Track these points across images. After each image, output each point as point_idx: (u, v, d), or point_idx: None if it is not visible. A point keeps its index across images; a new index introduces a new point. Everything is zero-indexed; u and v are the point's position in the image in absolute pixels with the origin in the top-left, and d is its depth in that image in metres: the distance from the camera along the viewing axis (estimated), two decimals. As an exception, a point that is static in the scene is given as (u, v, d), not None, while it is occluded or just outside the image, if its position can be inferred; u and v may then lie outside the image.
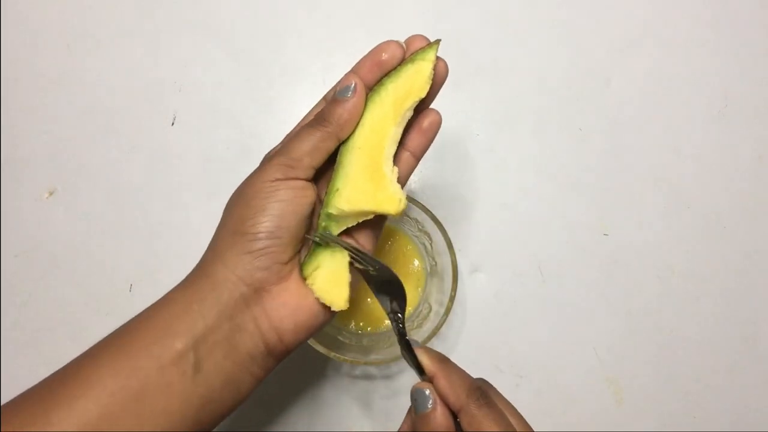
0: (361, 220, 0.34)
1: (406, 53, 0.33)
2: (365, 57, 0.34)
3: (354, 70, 0.34)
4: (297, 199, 0.31)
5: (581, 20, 0.59)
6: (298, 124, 0.36)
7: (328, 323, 0.35)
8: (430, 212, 0.46)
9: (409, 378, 0.50)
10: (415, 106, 0.33)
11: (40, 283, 0.51)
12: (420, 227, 0.49)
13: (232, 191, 0.36)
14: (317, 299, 0.32)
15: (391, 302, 0.34)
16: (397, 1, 0.59)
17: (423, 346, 0.33)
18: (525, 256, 0.53)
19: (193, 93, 0.56)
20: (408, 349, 0.33)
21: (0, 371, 0.49)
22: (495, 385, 0.32)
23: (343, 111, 0.32)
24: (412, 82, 0.33)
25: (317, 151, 0.32)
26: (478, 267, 0.53)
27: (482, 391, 0.30)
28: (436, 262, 0.48)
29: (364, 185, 0.33)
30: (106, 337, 0.29)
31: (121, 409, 0.26)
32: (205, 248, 0.33)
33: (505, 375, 0.50)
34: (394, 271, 0.38)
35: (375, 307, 0.48)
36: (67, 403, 0.26)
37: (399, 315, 0.34)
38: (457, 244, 0.46)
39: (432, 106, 0.36)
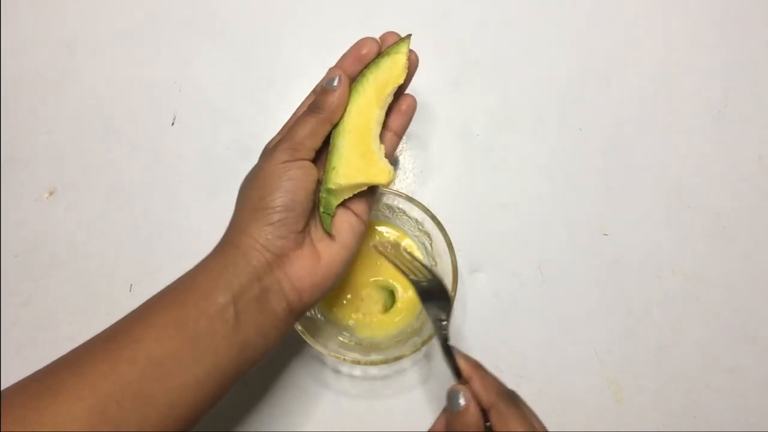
0: (356, 192, 0.39)
1: (381, 47, 0.39)
2: (347, 52, 0.39)
3: (338, 64, 0.40)
4: (305, 176, 0.36)
5: (581, 20, 0.59)
6: (293, 115, 0.41)
7: (338, 282, 0.41)
8: (430, 212, 0.46)
9: (409, 378, 0.50)
10: (394, 91, 0.39)
11: (40, 283, 0.51)
12: (420, 227, 0.49)
13: (232, 191, 0.39)
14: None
15: (437, 309, 0.40)
16: (397, 1, 0.59)
17: (461, 352, 0.38)
18: (525, 256, 0.53)
19: (193, 93, 0.56)
20: (449, 353, 0.38)
21: (0, 371, 0.49)
22: None
23: (333, 98, 0.38)
24: (390, 72, 0.39)
25: (315, 135, 0.37)
26: (478, 267, 0.53)
27: (512, 394, 0.36)
28: (436, 262, 0.48)
29: (356, 162, 0.38)
30: (155, 296, 0.34)
31: (180, 348, 0.31)
32: (205, 249, 0.36)
33: (505, 375, 0.50)
34: (394, 269, 0.41)
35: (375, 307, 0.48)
36: (134, 345, 0.30)
37: (443, 322, 0.39)
38: (457, 244, 0.46)
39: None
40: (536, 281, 0.52)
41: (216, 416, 0.48)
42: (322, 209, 0.38)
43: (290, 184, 0.36)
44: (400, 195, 0.47)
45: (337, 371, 0.50)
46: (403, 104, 0.42)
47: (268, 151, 0.38)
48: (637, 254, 0.53)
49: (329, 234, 0.38)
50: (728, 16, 0.60)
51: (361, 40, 0.39)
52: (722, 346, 0.52)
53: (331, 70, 0.39)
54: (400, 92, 0.41)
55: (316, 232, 0.38)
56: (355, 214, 0.39)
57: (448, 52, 0.58)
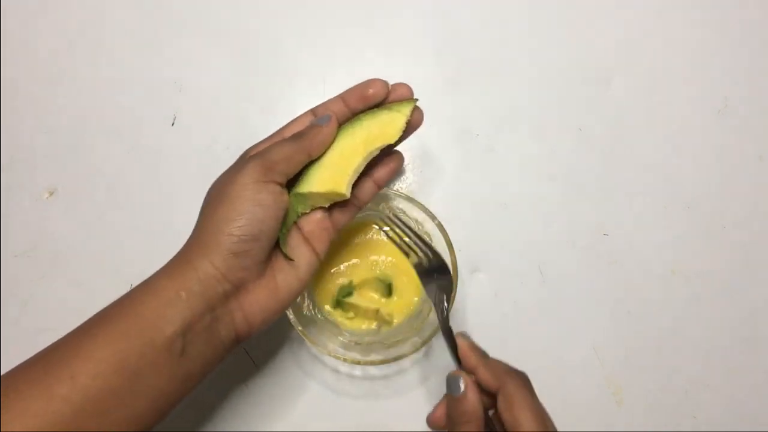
0: (316, 207, 0.39)
1: (391, 97, 0.39)
2: (354, 87, 0.39)
3: (341, 96, 0.39)
4: (274, 204, 0.35)
5: (581, 20, 0.59)
6: (278, 130, 0.40)
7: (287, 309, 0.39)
8: (430, 212, 0.46)
9: (409, 379, 0.50)
10: (382, 148, 0.38)
11: (40, 283, 0.51)
12: (420, 227, 0.49)
13: (222, 172, 0.38)
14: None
15: (437, 292, 0.40)
16: (397, 1, 0.59)
17: (467, 338, 0.38)
18: (525, 256, 0.53)
19: (193, 93, 0.56)
20: (449, 337, 0.38)
21: (0, 371, 0.49)
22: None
23: (318, 133, 0.37)
24: (385, 127, 0.38)
25: (290, 160, 0.36)
26: (478, 267, 0.53)
27: (522, 374, 0.36)
28: (436, 262, 0.48)
29: (324, 180, 0.38)
30: (96, 317, 0.33)
31: (118, 385, 0.30)
32: None
33: (505, 375, 0.50)
34: (395, 269, 0.41)
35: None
36: (69, 379, 0.29)
37: (445, 305, 0.39)
38: (457, 244, 0.46)
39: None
40: (536, 281, 0.52)
41: (215, 416, 0.48)
42: (283, 230, 0.37)
43: (259, 211, 0.34)
44: (400, 195, 0.47)
45: (337, 371, 0.50)
46: (393, 161, 0.41)
47: (242, 162, 0.37)
48: (637, 254, 0.53)
49: (287, 257, 0.36)
50: (728, 16, 0.60)
51: (371, 80, 0.38)
52: (722, 346, 0.52)
53: (326, 104, 0.39)
54: (391, 147, 0.40)
55: (278, 262, 0.37)
56: (315, 251, 0.38)
57: (448, 52, 0.58)
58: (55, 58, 0.57)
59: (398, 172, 0.43)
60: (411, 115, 0.38)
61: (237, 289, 0.34)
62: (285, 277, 0.36)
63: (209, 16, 0.58)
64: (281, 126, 0.41)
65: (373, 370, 0.50)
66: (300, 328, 0.44)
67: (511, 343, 0.51)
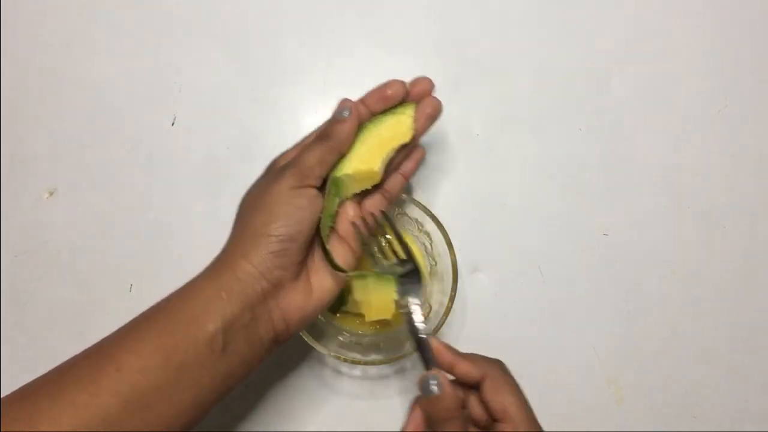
0: (358, 191, 0.40)
1: (413, 90, 0.41)
2: (373, 90, 0.40)
3: (362, 99, 0.40)
4: (310, 206, 0.36)
5: (581, 20, 0.59)
6: (306, 137, 0.42)
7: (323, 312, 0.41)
8: (430, 212, 0.46)
9: (409, 379, 0.50)
10: (399, 148, 0.41)
11: (40, 283, 0.51)
12: (420, 227, 0.49)
13: (233, 191, 0.39)
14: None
15: (407, 295, 0.40)
16: (397, 1, 0.59)
17: (437, 339, 0.38)
18: (525, 256, 0.53)
19: (193, 93, 0.56)
20: (418, 340, 0.37)
21: (0, 371, 0.49)
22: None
23: (343, 128, 0.38)
24: (395, 129, 0.40)
25: (323, 162, 0.37)
26: (478, 267, 0.53)
27: (500, 363, 0.37)
28: (436, 262, 0.48)
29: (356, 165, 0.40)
30: (142, 315, 0.34)
31: (163, 379, 0.30)
32: (205, 248, 0.36)
33: (505, 375, 0.50)
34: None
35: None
36: (116, 373, 0.30)
37: (414, 307, 0.39)
38: (457, 244, 0.46)
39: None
40: (536, 281, 0.52)
41: (215, 416, 0.48)
42: (328, 248, 0.38)
43: (297, 213, 0.35)
44: (400, 195, 0.47)
45: (337, 371, 0.50)
46: (417, 154, 0.44)
47: (275, 172, 0.38)
48: (637, 254, 0.53)
49: (339, 268, 0.38)
50: (728, 16, 0.59)
51: (390, 81, 0.40)
52: (722, 346, 0.52)
53: (343, 101, 0.39)
54: (410, 145, 0.42)
55: (313, 263, 0.38)
56: (350, 246, 0.40)
57: (448, 52, 0.58)
58: (55, 58, 0.57)
59: (420, 162, 0.45)
60: (429, 111, 0.41)
61: (275, 287, 0.35)
62: (319, 278, 0.38)
63: (209, 16, 0.58)
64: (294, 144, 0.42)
65: (373, 370, 0.50)
66: (300, 328, 0.44)
67: (511, 343, 0.51)
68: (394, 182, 0.43)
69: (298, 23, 0.58)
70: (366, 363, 0.45)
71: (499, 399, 0.34)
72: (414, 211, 0.48)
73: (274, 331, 0.35)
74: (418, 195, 0.53)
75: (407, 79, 0.41)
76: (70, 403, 0.28)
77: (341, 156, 0.38)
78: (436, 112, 0.42)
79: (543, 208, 0.54)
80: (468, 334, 0.51)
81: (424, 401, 0.35)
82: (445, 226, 0.46)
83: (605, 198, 0.54)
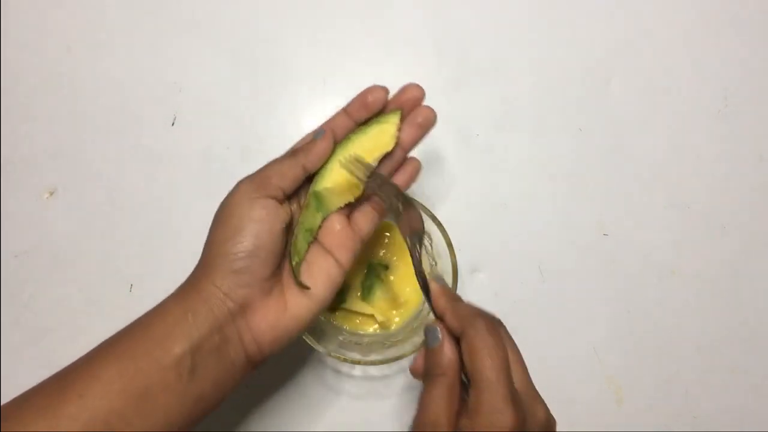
0: (341, 205, 0.38)
1: (402, 97, 0.39)
2: (354, 98, 0.39)
3: (344, 109, 0.39)
4: (269, 217, 0.34)
5: (581, 20, 0.59)
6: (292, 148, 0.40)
7: (300, 336, 0.38)
8: (430, 212, 0.46)
9: (409, 379, 0.50)
10: (380, 158, 0.39)
11: (40, 283, 0.51)
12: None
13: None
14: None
15: (411, 234, 0.37)
16: (397, 1, 0.59)
17: (441, 284, 0.36)
18: (525, 256, 0.53)
19: (193, 93, 0.56)
20: (424, 283, 0.35)
21: (0, 371, 0.49)
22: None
23: (313, 146, 0.37)
24: (377, 139, 0.38)
25: (285, 175, 0.36)
26: (478, 267, 0.53)
27: (490, 317, 0.34)
28: (436, 262, 0.48)
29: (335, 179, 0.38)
30: (107, 341, 0.32)
31: (126, 405, 0.29)
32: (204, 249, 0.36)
33: (505, 375, 0.50)
34: (395, 269, 0.39)
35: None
36: (77, 400, 0.29)
37: (417, 248, 0.36)
38: (457, 244, 0.46)
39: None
40: (536, 281, 0.52)
41: (215, 416, 0.48)
42: (295, 260, 0.36)
43: (254, 227, 0.34)
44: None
45: (337, 371, 0.50)
46: (410, 166, 0.41)
47: (236, 184, 0.36)
48: (637, 254, 0.53)
49: (302, 285, 0.35)
50: (728, 16, 0.59)
51: (371, 88, 0.38)
52: (722, 346, 0.52)
53: (330, 122, 0.39)
54: (393, 157, 0.40)
55: (288, 278, 0.36)
56: (336, 260, 0.37)
57: (448, 52, 0.58)
58: (55, 59, 0.57)
59: (417, 176, 0.42)
60: (420, 121, 0.39)
61: (242, 308, 0.34)
62: (294, 294, 0.35)
63: (209, 16, 0.58)
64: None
65: (373, 370, 0.50)
66: (300, 328, 0.44)
67: (511, 343, 0.51)
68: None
69: (298, 23, 0.58)
70: (366, 363, 0.45)
71: (469, 361, 0.31)
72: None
73: (245, 352, 0.34)
74: (418, 195, 0.53)
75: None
76: (29, 427, 0.28)
77: (306, 172, 0.37)
78: (427, 122, 0.40)
79: (543, 208, 0.54)
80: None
81: (426, 349, 0.33)
82: (445, 226, 0.46)
83: (605, 198, 0.54)
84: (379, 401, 0.49)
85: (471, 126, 0.56)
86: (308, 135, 0.40)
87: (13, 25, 0.57)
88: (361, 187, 0.38)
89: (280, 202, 0.36)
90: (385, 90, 0.38)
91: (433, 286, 0.35)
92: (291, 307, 0.35)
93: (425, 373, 0.33)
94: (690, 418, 0.50)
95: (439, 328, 0.33)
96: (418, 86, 0.39)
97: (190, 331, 0.32)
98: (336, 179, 0.38)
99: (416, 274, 0.36)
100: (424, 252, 0.43)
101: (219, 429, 0.48)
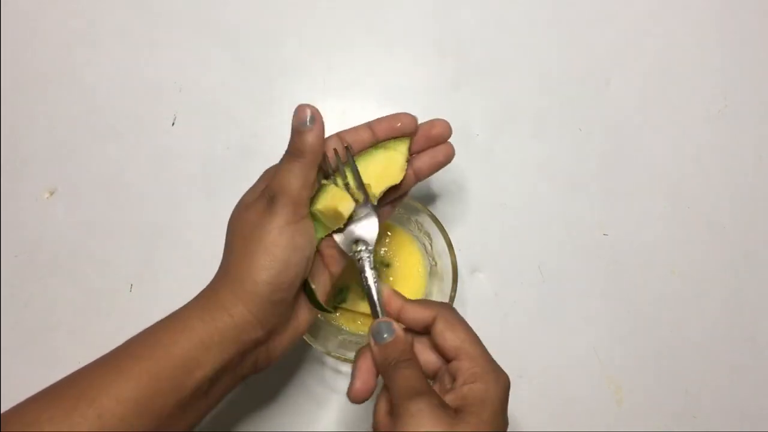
0: (332, 230, 0.37)
1: (430, 132, 0.39)
2: (384, 118, 0.39)
3: (369, 124, 0.39)
4: (309, 245, 0.35)
5: (581, 20, 0.59)
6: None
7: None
8: (430, 212, 0.46)
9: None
10: (386, 189, 0.38)
11: (40, 283, 0.51)
12: (420, 227, 0.49)
13: (232, 191, 0.37)
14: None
15: (357, 241, 0.38)
16: (397, 1, 0.59)
17: (385, 284, 0.37)
18: (525, 256, 0.53)
19: (193, 93, 0.56)
20: (367, 290, 0.36)
21: (0, 371, 0.49)
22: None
23: (310, 138, 0.34)
24: (385, 167, 0.38)
25: (307, 183, 0.35)
26: (478, 267, 0.53)
27: (449, 305, 0.36)
28: (436, 263, 0.48)
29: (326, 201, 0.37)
30: (126, 347, 0.32)
31: (144, 425, 0.30)
32: (205, 249, 0.37)
33: (505, 375, 0.50)
34: (395, 269, 0.39)
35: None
36: (97, 420, 0.29)
37: (364, 254, 0.37)
38: (457, 244, 0.46)
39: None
40: (536, 281, 0.52)
41: (215, 416, 0.48)
42: (314, 285, 0.36)
43: (295, 257, 0.33)
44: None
45: (337, 371, 0.50)
46: (400, 191, 0.40)
47: (264, 203, 0.34)
48: (637, 254, 0.53)
49: (326, 310, 0.37)
50: (728, 15, 0.59)
51: (401, 114, 0.39)
52: (722, 346, 0.52)
53: (301, 107, 0.35)
54: (398, 191, 0.40)
55: (298, 298, 0.37)
56: (331, 273, 0.38)
57: (448, 52, 0.58)
58: (55, 58, 0.57)
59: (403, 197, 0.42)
60: (441, 159, 0.40)
61: (269, 334, 0.34)
62: (303, 312, 0.37)
63: (209, 16, 0.58)
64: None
65: (373, 370, 0.50)
66: (300, 328, 0.44)
67: (511, 342, 0.51)
68: (382, 212, 0.41)
69: (298, 23, 0.58)
70: (366, 363, 0.45)
71: (453, 336, 0.34)
72: (414, 211, 0.48)
73: (256, 366, 0.35)
74: (418, 195, 0.53)
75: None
76: None
77: (316, 167, 0.35)
78: (447, 160, 0.41)
79: (543, 208, 0.54)
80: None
81: (376, 348, 0.33)
82: (445, 226, 0.46)
83: (605, 198, 0.54)
84: (379, 401, 0.49)
85: (471, 126, 0.56)
86: (331, 138, 0.38)
87: (13, 25, 0.57)
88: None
89: (309, 217, 0.35)
90: (415, 120, 0.39)
91: (386, 290, 0.36)
92: (300, 325, 0.37)
93: (385, 369, 0.33)
94: (690, 418, 0.50)
95: (392, 322, 0.34)
96: (446, 123, 0.40)
97: (215, 357, 0.32)
98: (326, 202, 0.37)
99: (362, 279, 0.37)
100: (425, 253, 0.43)
101: (219, 429, 0.48)
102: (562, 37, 0.58)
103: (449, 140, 0.41)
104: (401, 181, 0.38)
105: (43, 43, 0.57)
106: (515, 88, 0.57)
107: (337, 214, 0.37)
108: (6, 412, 0.30)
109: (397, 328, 0.34)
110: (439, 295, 0.47)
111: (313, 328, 0.45)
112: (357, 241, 0.37)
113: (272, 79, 0.57)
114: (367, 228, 0.38)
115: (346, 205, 0.37)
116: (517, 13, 0.59)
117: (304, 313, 0.37)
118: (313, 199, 0.36)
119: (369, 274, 0.37)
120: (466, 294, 0.52)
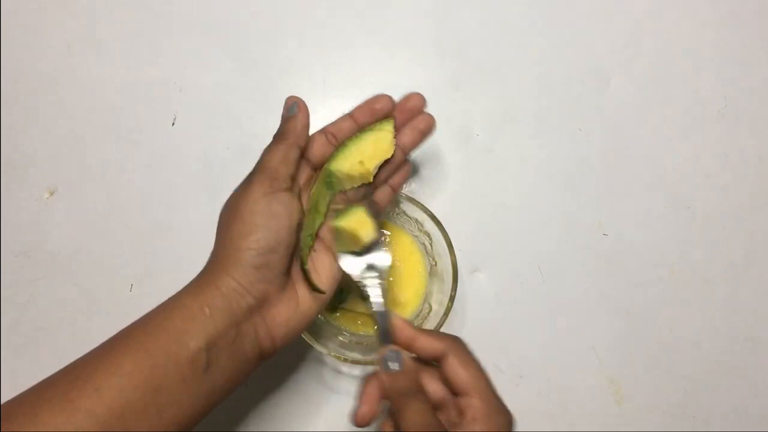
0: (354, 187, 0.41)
1: (405, 105, 0.42)
2: (362, 104, 0.41)
3: (350, 114, 0.41)
4: (288, 213, 0.36)
5: (581, 20, 0.59)
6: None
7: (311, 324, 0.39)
8: (430, 212, 0.46)
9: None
10: (381, 164, 0.41)
11: (40, 283, 0.51)
12: (420, 227, 0.49)
13: (232, 191, 0.38)
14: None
15: (369, 267, 0.39)
16: (397, 1, 0.59)
17: (395, 313, 0.38)
18: (525, 256, 0.53)
19: (193, 93, 0.56)
20: (377, 317, 0.37)
21: (0, 371, 0.49)
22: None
23: (295, 122, 0.38)
24: (376, 146, 0.40)
25: (287, 160, 0.37)
26: (478, 267, 0.53)
27: (458, 338, 0.36)
28: (436, 262, 0.48)
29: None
30: (122, 334, 0.33)
31: (142, 400, 0.30)
32: (205, 248, 0.36)
33: (505, 375, 0.50)
34: (395, 269, 0.40)
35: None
36: (94, 394, 0.29)
37: (371, 281, 0.39)
38: (457, 244, 0.46)
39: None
40: (536, 281, 0.52)
41: (216, 416, 0.48)
42: (307, 264, 0.37)
43: (273, 223, 0.35)
44: (400, 195, 0.47)
45: (337, 371, 0.50)
46: (405, 168, 0.44)
47: (244, 180, 0.37)
48: (637, 254, 0.53)
49: (317, 290, 0.37)
50: (728, 16, 0.59)
51: (378, 96, 0.41)
52: (722, 346, 0.52)
53: (289, 98, 0.40)
54: (390, 164, 0.42)
55: (297, 273, 0.37)
56: (335, 255, 0.39)
57: (448, 52, 0.58)
58: (55, 59, 0.57)
59: (409, 177, 0.45)
60: (422, 127, 0.42)
61: (260, 302, 0.34)
62: (304, 289, 0.37)
63: (209, 16, 0.58)
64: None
65: (373, 371, 0.50)
66: (300, 328, 0.44)
67: (511, 342, 0.51)
68: (383, 194, 0.43)
69: (298, 23, 0.58)
70: (366, 363, 0.45)
71: (467, 374, 0.34)
72: (414, 211, 0.48)
73: (260, 347, 0.35)
74: (418, 195, 0.53)
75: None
76: (48, 422, 0.28)
77: (300, 150, 0.38)
78: (428, 129, 0.43)
79: (543, 208, 0.54)
80: (468, 334, 0.51)
81: (385, 376, 0.34)
82: (445, 226, 0.46)
83: (605, 198, 0.54)
84: (379, 401, 0.49)
85: (471, 126, 0.56)
86: (316, 134, 0.41)
87: (13, 25, 0.57)
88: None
89: (292, 192, 0.37)
90: (392, 99, 0.41)
91: (396, 319, 0.37)
92: (302, 303, 0.37)
93: (393, 399, 0.34)
94: (690, 418, 0.50)
95: (402, 351, 0.35)
96: (420, 95, 0.42)
97: (207, 327, 0.32)
98: (350, 167, 0.40)
99: (375, 311, 0.38)
100: (425, 253, 0.43)
101: (219, 429, 0.48)
102: (562, 37, 0.58)
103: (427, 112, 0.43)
104: (392, 156, 0.41)
105: (43, 43, 0.57)
106: (515, 88, 0.57)
107: (355, 238, 0.39)
108: (6, 402, 0.30)
109: (407, 358, 0.35)
110: (439, 295, 0.47)
111: (313, 329, 0.45)
112: (370, 267, 0.39)
113: (272, 79, 0.57)
114: (381, 258, 0.40)
115: (366, 231, 0.39)
116: (517, 13, 0.59)
117: (303, 291, 0.37)
118: (339, 215, 0.39)
119: (380, 301, 0.38)
120: (466, 294, 0.52)
